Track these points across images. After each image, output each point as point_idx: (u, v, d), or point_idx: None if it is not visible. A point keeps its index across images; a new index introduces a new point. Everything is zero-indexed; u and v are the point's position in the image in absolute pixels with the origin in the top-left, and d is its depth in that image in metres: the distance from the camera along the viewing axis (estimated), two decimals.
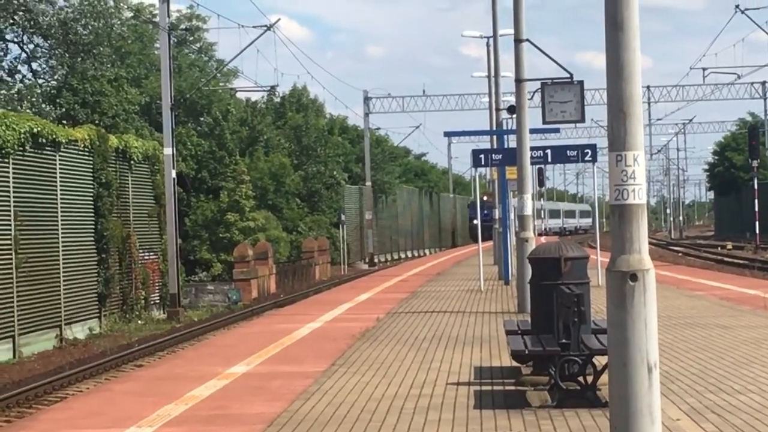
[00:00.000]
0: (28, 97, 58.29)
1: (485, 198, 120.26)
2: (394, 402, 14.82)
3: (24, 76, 61.94)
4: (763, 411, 13.45)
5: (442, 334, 23.72)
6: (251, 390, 16.40)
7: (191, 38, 75.76)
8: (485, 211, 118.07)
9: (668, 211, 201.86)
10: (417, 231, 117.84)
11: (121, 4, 62.98)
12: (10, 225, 32.54)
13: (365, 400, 15.11)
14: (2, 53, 61.17)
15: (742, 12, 58.38)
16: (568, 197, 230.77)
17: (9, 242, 32.45)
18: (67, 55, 59.66)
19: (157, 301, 45.09)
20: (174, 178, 46.47)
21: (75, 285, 37.06)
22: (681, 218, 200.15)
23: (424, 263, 69.01)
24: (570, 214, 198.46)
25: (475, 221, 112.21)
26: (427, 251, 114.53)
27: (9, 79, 60.75)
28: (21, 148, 33.32)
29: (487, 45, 63.73)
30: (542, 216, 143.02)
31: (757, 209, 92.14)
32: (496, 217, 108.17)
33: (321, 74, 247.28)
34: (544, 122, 29.08)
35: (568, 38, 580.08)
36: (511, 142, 37.58)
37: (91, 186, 38.81)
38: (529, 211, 29.55)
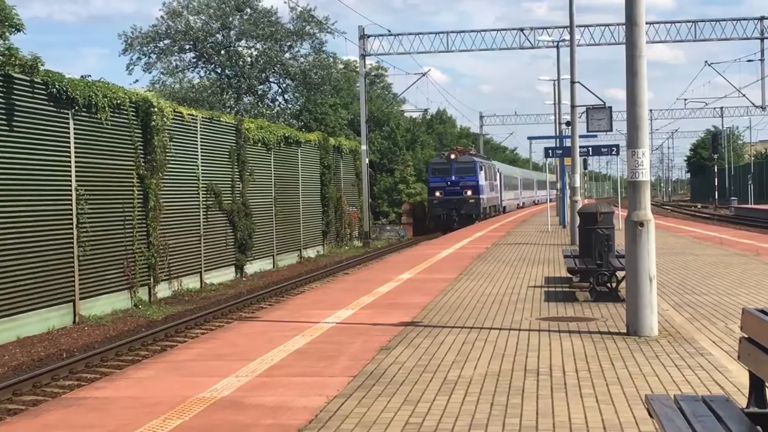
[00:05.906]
0: (283, 115, 59.06)
1: (452, 156, 56.71)
2: (496, 297, 14.76)
3: (280, 103, 62.91)
4: (718, 305, 13.21)
5: (525, 257, 23.58)
6: (412, 288, 16.44)
7: (378, 80, 75.82)
8: (453, 177, 55.57)
9: (662, 185, 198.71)
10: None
11: (337, 60, 63.52)
12: (271, 191, 32.96)
13: (479, 295, 15.07)
14: (268, 89, 62.26)
15: (709, 65, 57.59)
16: (600, 177, 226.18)
17: (271, 201, 32.88)
18: (305, 90, 60.28)
19: (357, 236, 45.34)
20: (367, 163, 46.67)
21: (309, 225, 37.41)
22: (669, 189, 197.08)
23: (516, 214, 68.40)
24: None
25: (437, 193, 55.30)
26: (522, 203, 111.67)
27: (271, 104, 61.96)
28: (278, 145, 33.65)
29: (554, 85, 62.54)
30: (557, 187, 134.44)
31: (716, 184, 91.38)
32: (480, 183, 55.48)
33: (454, 102, 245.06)
34: (588, 131, 28.79)
35: (602, 80, 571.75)
36: (567, 142, 37.01)
37: (318, 167, 39.07)
38: (577, 184, 29.19)
